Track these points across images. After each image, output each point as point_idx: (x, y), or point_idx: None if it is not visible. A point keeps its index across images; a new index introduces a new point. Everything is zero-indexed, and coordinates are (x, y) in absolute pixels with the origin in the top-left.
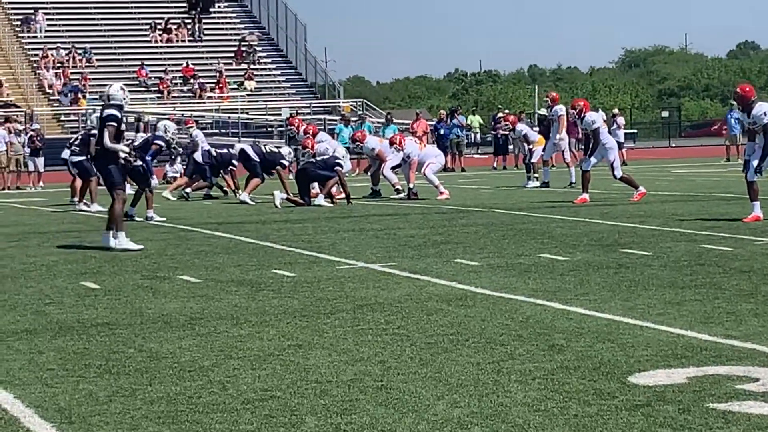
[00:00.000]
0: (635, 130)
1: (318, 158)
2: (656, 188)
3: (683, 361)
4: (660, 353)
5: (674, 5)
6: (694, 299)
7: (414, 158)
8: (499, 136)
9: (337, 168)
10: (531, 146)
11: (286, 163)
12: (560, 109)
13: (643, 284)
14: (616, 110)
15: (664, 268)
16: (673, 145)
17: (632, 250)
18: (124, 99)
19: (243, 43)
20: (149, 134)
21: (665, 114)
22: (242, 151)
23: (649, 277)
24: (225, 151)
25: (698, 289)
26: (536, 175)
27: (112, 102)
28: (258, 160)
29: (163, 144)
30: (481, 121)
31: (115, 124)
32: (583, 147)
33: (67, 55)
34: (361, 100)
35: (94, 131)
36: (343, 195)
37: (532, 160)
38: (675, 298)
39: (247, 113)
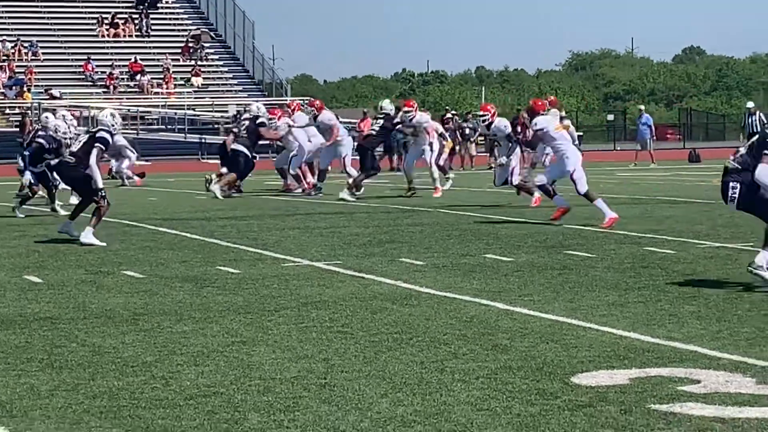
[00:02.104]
0: (581, 133)
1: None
2: (601, 191)
3: (626, 362)
4: (603, 354)
5: (621, 9)
6: (637, 301)
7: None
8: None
9: None
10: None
11: None
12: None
13: (586, 286)
14: (563, 113)
15: (607, 270)
16: (618, 148)
17: (576, 252)
18: (113, 125)
19: (190, 39)
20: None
21: (611, 117)
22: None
23: (593, 279)
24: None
25: (641, 291)
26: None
27: (102, 127)
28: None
29: (43, 142)
30: None
31: (104, 147)
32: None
33: (12, 48)
34: (308, 98)
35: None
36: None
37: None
38: (618, 300)
39: (193, 109)
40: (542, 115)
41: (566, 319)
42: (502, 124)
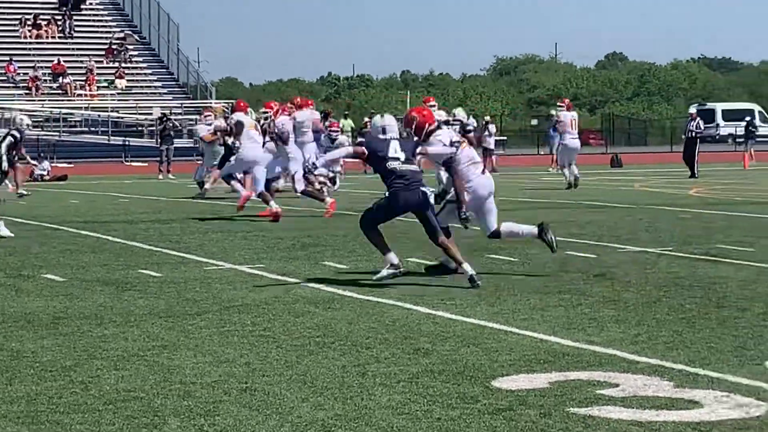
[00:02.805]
0: (505, 138)
1: None
2: (525, 195)
3: (546, 366)
4: (523, 358)
5: (545, 15)
6: (558, 305)
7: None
8: None
9: None
10: None
11: None
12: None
13: (508, 290)
14: (487, 117)
15: (529, 274)
16: (542, 153)
17: (499, 256)
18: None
19: (114, 41)
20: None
21: (535, 122)
22: None
23: (515, 283)
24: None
25: (562, 295)
26: None
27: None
28: None
29: None
30: (353, 125)
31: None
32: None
33: None
34: (234, 101)
35: None
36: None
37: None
38: (539, 304)
39: (117, 112)
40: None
41: (488, 323)
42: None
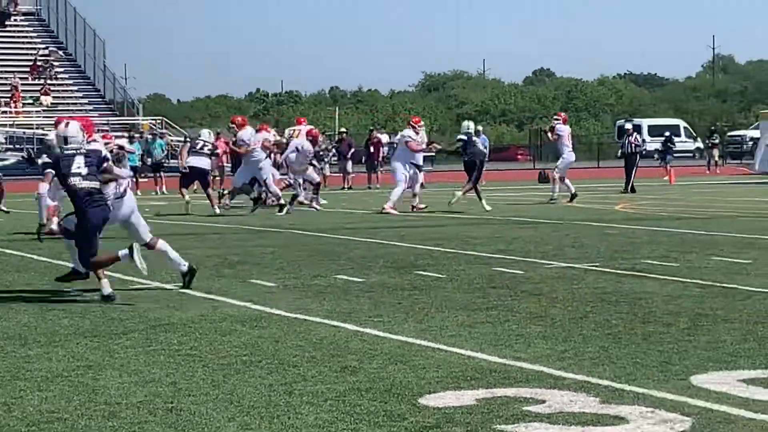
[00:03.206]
0: (432, 154)
1: None
2: (452, 211)
3: (473, 382)
4: (450, 375)
5: (473, 31)
6: (486, 321)
7: None
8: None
9: None
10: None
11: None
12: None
13: (436, 306)
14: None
15: (457, 291)
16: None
17: (427, 272)
18: None
19: (39, 58)
20: None
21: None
22: None
23: (443, 300)
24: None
25: (490, 311)
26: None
27: None
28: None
29: None
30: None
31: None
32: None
33: None
34: (161, 117)
35: None
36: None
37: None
38: (467, 321)
39: (42, 129)
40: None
41: (415, 340)
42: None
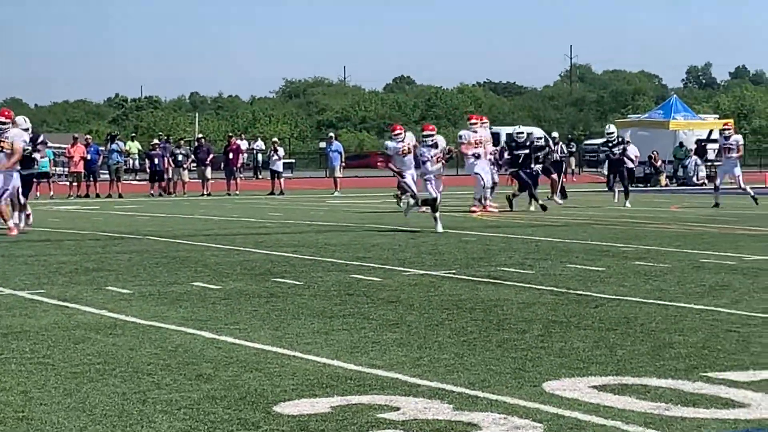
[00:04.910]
0: (293, 160)
1: None
2: (311, 218)
3: (328, 390)
4: (306, 382)
5: (333, 38)
6: (342, 329)
7: None
8: (156, 162)
9: None
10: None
11: None
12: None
13: (293, 313)
14: (275, 140)
15: (314, 298)
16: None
17: (284, 280)
18: None
19: None
20: None
21: (323, 145)
22: None
23: (300, 307)
24: None
25: (346, 318)
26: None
27: None
28: None
29: None
30: (140, 147)
31: None
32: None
33: None
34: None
35: None
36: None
37: None
38: (323, 328)
39: None
40: None
41: (271, 347)
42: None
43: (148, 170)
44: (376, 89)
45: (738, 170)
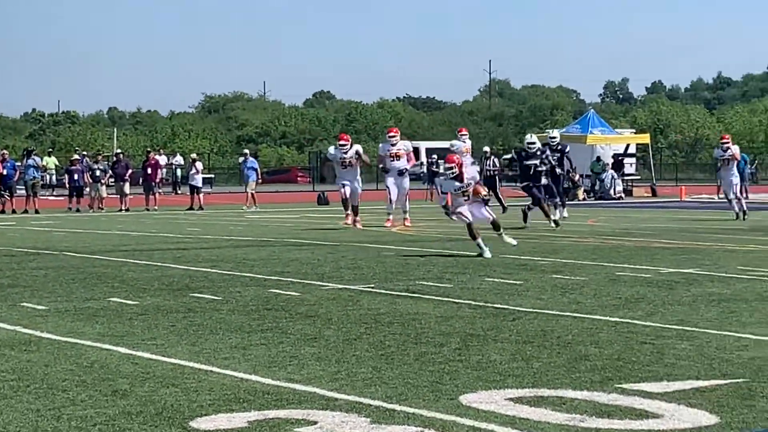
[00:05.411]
0: (213, 175)
1: None
2: (230, 233)
3: (245, 405)
4: (223, 397)
5: (253, 53)
6: (260, 343)
7: None
8: (76, 177)
9: None
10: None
11: None
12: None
13: (210, 328)
14: (194, 155)
15: (232, 313)
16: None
17: (203, 295)
18: None
19: None
20: None
21: (242, 159)
22: None
23: (218, 322)
24: None
25: (264, 333)
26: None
27: None
28: None
29: None
30: (57, 163)
31: None
32: None
33: None
34: None
35: None
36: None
37: None
38: (241, 343)
39: None
40: None
41: (189, 362)
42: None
43: (67, 186)
44: (296, 104)
45: (736, 179)
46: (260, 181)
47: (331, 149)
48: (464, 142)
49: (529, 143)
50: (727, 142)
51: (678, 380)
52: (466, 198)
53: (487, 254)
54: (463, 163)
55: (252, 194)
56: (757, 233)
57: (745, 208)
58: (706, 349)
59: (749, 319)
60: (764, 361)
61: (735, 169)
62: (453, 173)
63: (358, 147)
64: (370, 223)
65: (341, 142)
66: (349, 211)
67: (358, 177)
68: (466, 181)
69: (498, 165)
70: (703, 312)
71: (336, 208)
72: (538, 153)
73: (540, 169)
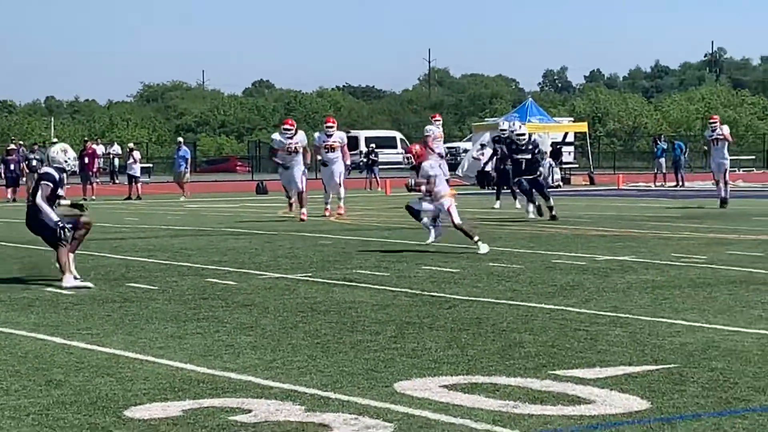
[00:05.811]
0: (151, 165)
1: None
2: (167, 222)
3: (180, 394)
4: (158, 386)
5: (191, 42)
6: (196, 333)
7: None
8: (12, 168)
9: None
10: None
11: None
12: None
13: (146, 318)
14: (131, 144)
15: (168, 302)
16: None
17: (139, 284)
18: (66, 162)
19: None
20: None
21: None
22: None
23: (154, 311)
24: None
25: (200, 322)
26: None
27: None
28: None
29: None
30: None
31: (50, 184)
32: None
33: None
34: None
35: None
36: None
37: None
38: (177, 332)
39: None
40: None
41: (124, 352)
42: None
43: (3, 176)
44: (235, 93)
45: (726, 162)
46: (188, 170)
47: (276, 135)
48: (438, 128)
49: (518, 135)
50: (715, 123)
51: (610, 366)
52: (428, 196)
53: (483, 249)
54: (435, 147)
55: (179, 183)
56: (692, 221)
57: (727, 195)
58: (639, 336)
59: (682, 305)
60: (695, 347)
61: (725, 150)
62: (411, 164)
63: (302, 134)
64: (310, 213)
65: (286, 127)
66: (293, 200)
67: (302, 164)
68: (421, 177)
69: (487, 160)
70: (636, 299)
71: (275, 197)
72: (530, 147)
73: (535, 165)
